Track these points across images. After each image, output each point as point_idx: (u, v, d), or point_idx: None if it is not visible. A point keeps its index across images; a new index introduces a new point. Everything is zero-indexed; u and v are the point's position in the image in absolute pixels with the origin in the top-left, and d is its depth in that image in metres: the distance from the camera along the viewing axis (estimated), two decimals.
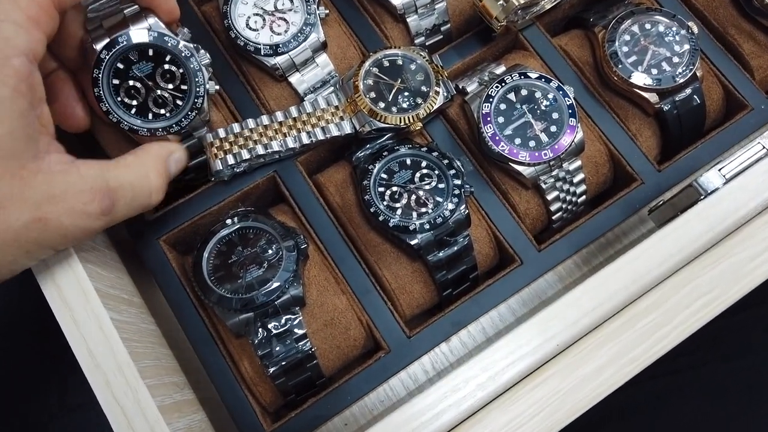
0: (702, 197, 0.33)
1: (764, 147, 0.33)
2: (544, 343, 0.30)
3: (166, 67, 0.35)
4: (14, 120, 0.25)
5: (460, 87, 0.41)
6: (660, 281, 0.31)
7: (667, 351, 0.28)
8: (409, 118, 0.39)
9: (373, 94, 0.39)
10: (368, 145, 0.39)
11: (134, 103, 0.35)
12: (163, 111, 0.35)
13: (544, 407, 0.28)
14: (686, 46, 0.40)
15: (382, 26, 0.43)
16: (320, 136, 0.39)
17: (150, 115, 0.35)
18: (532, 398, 0.28)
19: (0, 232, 0.25)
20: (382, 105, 0.39)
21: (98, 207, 0.28)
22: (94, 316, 0.30)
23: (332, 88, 0.41)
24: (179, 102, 0.35)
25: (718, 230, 0.32)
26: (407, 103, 0.39)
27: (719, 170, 0.33)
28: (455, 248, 0.37)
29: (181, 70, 0.35)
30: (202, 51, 0.35)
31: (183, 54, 0.34)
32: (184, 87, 0.35)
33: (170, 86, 0.35)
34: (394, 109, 0.39)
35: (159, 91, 0.35)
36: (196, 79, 0.35)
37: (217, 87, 0.36)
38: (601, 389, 0.28)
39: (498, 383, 0.30)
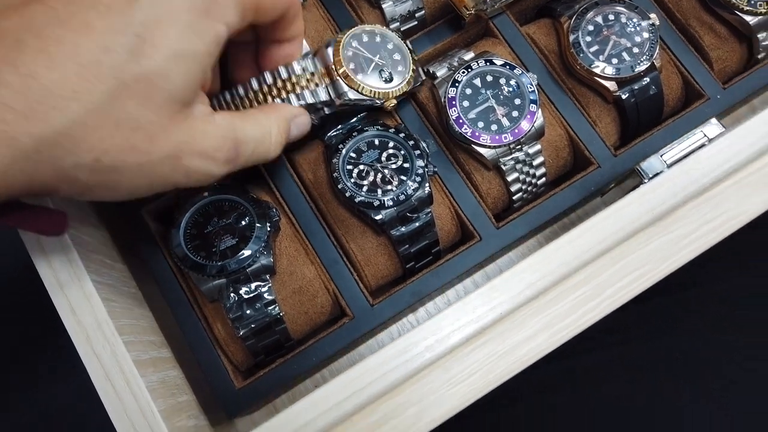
0: (645, 181, 0.36)
1: (705, 135, 0.36)
2: (489, 311, 0.33)
3: None
4: (197, 74, 0.28)
5: (431, 71, 0.43)
6: (598, 257, 0.33)
7: (596, 321, 0.31)
8: (385, 93, 0.39)
9: (352, 65, 0.40)
10: (340, 126, 0.42)
11: None
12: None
13: (480, 368, 0.31)
14: (646, 37, 0.42)
15: (359, 11, 0.45)
16: (294, 102, 0.39)
17: None
18: (470, 359, 0.31)
19: (141, 160, 0.27)
20: (360, 76, 0.40)
21: (225, 155, 0.30)
22: (76, 277, 0.33)
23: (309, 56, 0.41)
24: None
25: (658, 212, 0.34)
26: (384, 78, 0.40)
27: (661, 156, 0.35)
28: (417, 224, 0.40)
29: None
30: None
31: None
32: None
33: None
34: (371, 81, 0.40)
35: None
36: None
37: None
38: (532, 354, 0.31)
39: (445, 345, 0.33)
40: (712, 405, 0.38)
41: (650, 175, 0.35)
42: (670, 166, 0.35)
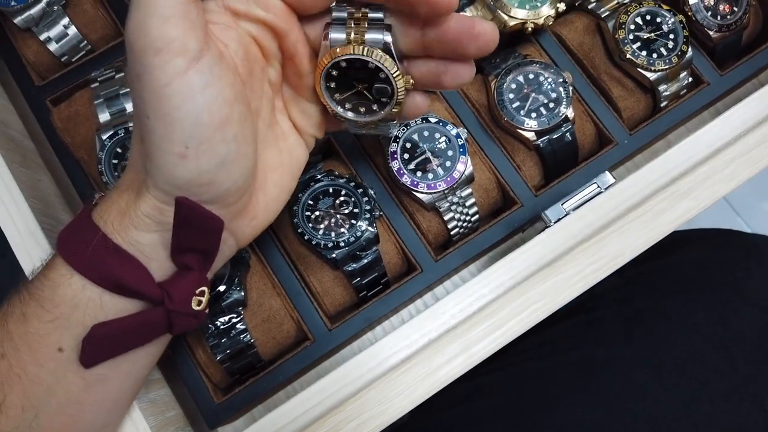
0: (549, 225, 0.43)
1: (599, 186, 0.43)
2: (419, 338, 0.40)
3: None
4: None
5: None
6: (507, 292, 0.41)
7: (501, 347, 0.38)
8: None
9: None
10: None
11: None
12: None
13: (408, 387, 0.38)
14: (561, 93, 0.49)
15: None
16: None
17: None
18: (400, 381, 0.38)
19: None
20: None
21: None
22: None
23: None
24: None
25: (558, 253, 0.42)
26: None
27: (562, 204, 0.43)
28: (365, 261, 0.47)
29: None
30: None
31: None
32: None
33: None
34: None
35: None
36: None
37: None
38: (451, 374, 0.38)
39: (383, 367, 0.40)
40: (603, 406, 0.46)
41: (552, 221, 0.42)
42: (568, 213, 0.42)
